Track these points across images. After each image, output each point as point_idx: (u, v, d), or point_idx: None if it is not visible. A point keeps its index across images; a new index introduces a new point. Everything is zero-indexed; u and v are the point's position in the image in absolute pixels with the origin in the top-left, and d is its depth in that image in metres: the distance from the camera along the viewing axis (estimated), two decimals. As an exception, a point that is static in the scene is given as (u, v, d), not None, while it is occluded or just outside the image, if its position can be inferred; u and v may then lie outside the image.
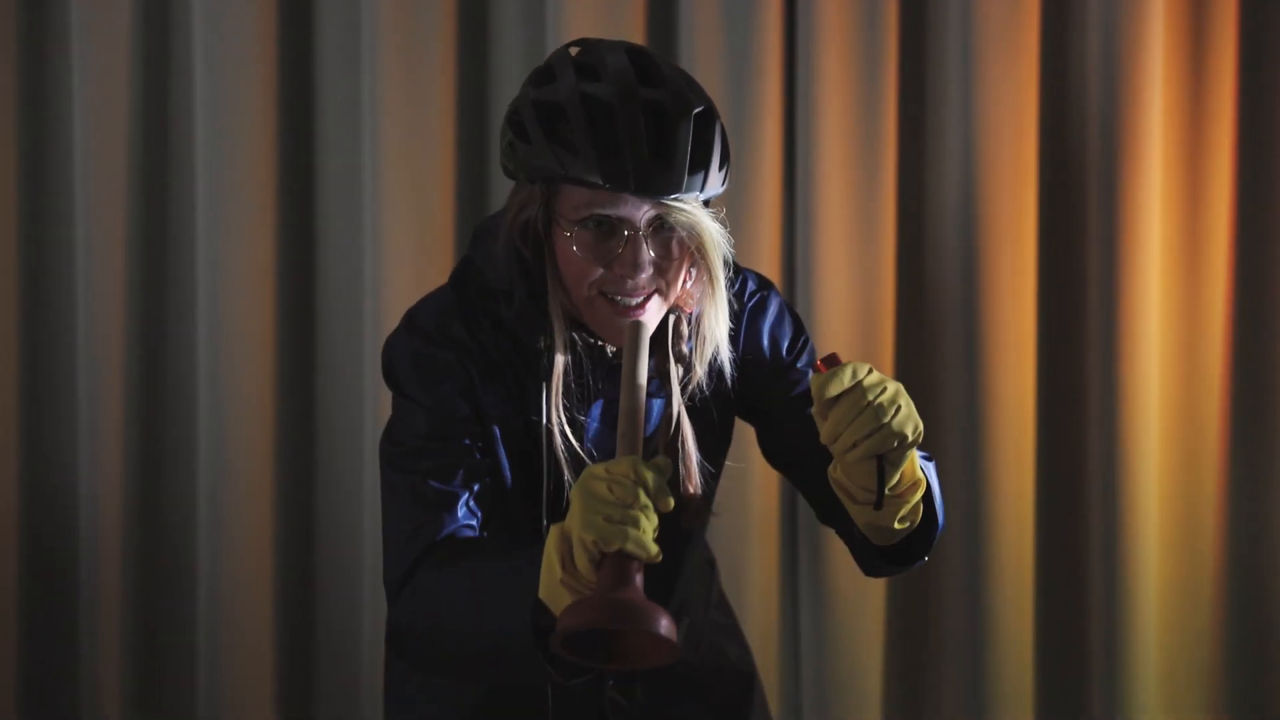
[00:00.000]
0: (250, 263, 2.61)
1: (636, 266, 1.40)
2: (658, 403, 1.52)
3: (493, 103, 2.65)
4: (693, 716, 1.70)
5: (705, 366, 1.50)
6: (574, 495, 1.28)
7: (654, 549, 1.25)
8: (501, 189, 2.63)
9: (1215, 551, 2.67)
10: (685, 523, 1.53)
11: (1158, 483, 2.62)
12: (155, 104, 2.65)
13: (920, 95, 2.63)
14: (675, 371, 1.50)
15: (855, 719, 2.64)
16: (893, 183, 2.59)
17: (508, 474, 1.51)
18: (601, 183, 1.37)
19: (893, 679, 2.68)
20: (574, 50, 1.46)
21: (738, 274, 1.61)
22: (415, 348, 1.50)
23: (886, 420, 1.29)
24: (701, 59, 2.56)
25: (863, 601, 2.62)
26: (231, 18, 2.58)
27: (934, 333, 2.64)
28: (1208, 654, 2.67)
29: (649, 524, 1.25)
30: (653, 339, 1.47)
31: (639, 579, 1.25)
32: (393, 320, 2.56)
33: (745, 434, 1.77)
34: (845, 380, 1.30)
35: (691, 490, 1.52)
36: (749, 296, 1.61)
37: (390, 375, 1.53)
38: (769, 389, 1.59)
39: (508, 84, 2.63)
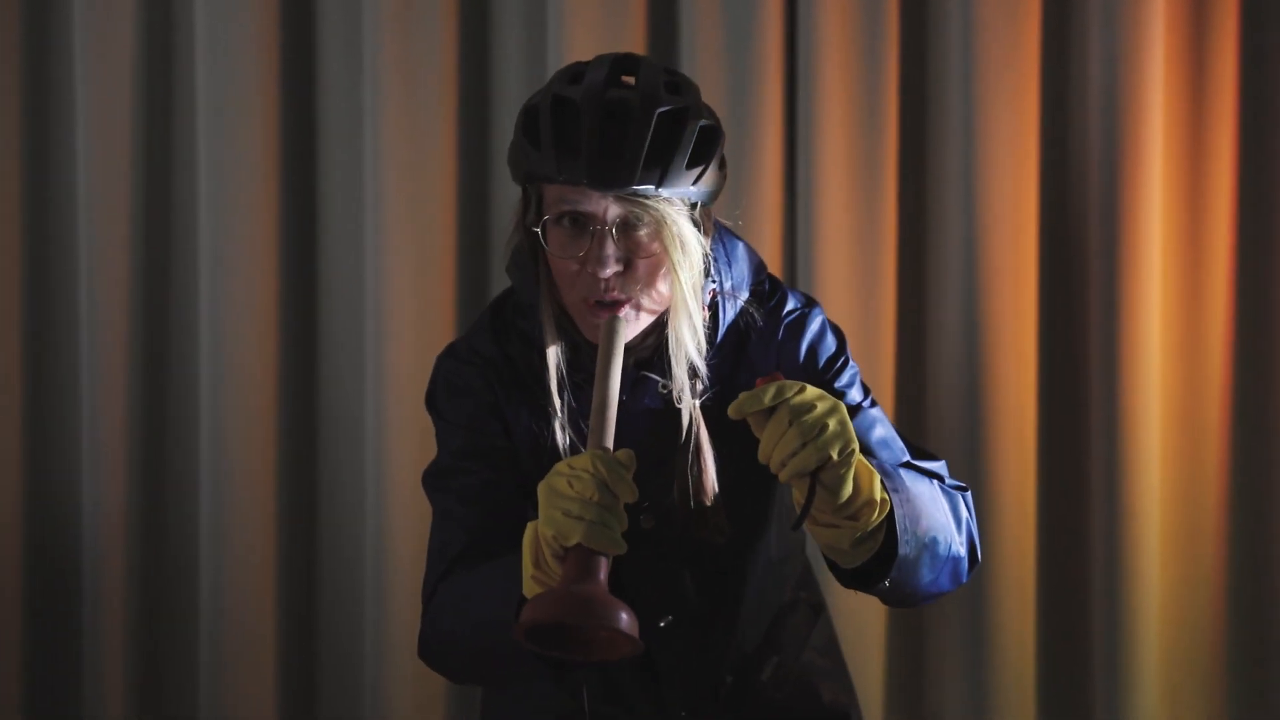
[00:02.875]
0: (253, 267, 2.62)
1: (601, 261, 1.42)
2: (656, 408, 1.53)
3: (493, 104, 2.64)
4: None
5: (683, 367, 1.49)
6: (539, 491, 1.30)
7: (616, 542, 1.26)
8: (501, 189, 2.64)
9: (1217, 556, 2.67)
10: (698, 534, 1.53)
11: (1160, 486, 2.62)
12: (158, 105, 2.65)
13: (921, 104, 2.63)
14: (689, 382, 1.50)
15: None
16: (893, 190, 2.59)
17: (537, 486, 1.52)
18: (557, 175, 1.41)
19: (894, 688, 2.68)
20: (581, 63, 1.51)
21: (775, 291, 1.61)
22: (448, 368, 1.57)
23: (810, 439, 1.29)
24: (702, 68, 2.56)
25: (863, 611, 2.61)
26: (233, 20, 2.58)
27: (935, 339, 2.64)
28: (1210, 659, 2.67)
29: (612, 517, 1.26)
30: (658, 348, 1.49)
31: (603, 573, 1.25)
32: (394, 322, 2.59)
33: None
34: (766, 399, 1.31)
35: (707, 501, 1.52)
36: (787, 314, 1.60)
37: (429, 400, 1.59)
38: None
39: (508, 90, 2.63)
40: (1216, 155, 2.61)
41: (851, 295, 2.59)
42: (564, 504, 1.27)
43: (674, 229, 1.43)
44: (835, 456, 1.30)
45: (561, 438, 1.51)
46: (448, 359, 1.58)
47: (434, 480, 1.54)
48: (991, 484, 2.60)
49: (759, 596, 1.65)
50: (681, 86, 1.48)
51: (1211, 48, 2.60)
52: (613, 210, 1.42)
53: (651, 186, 1.41)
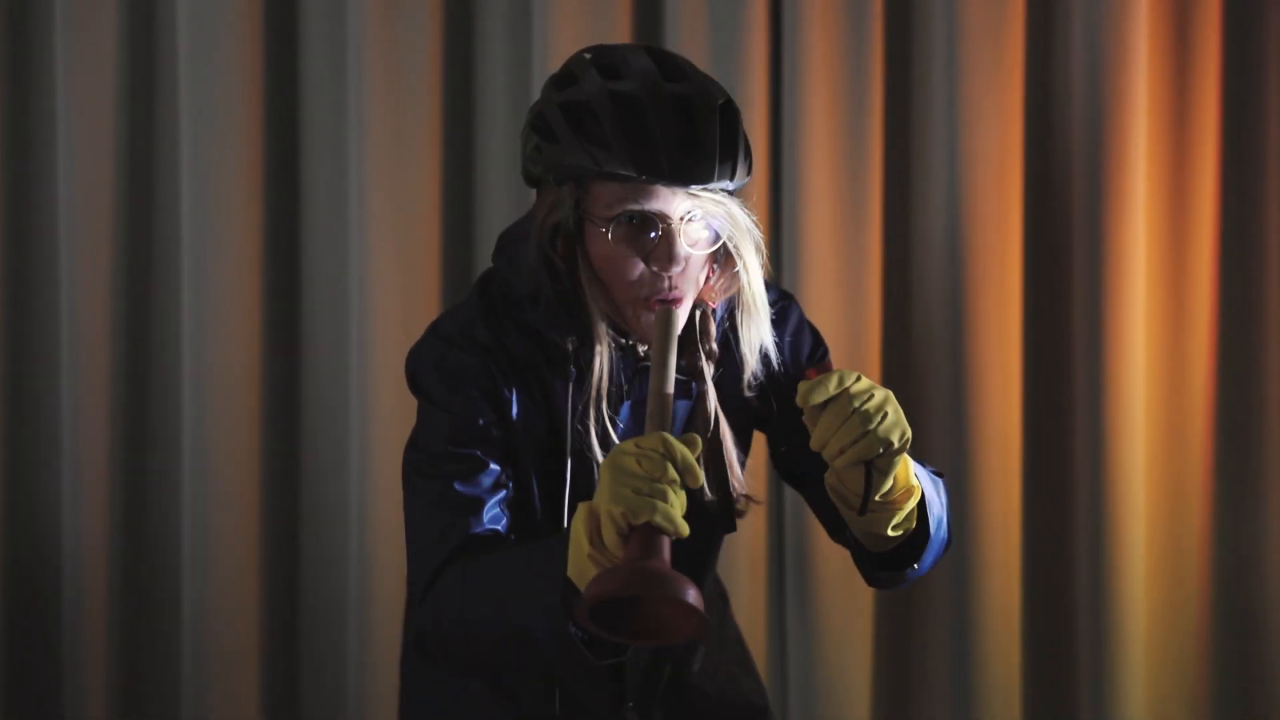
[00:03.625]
0: (236, 269, 2.60)
1: (672, 259, 1.41)
2: (683, 404, 1.52)
3: (478, 102, 2.63)
4: None
5: (756, 355, 1.51)
6: (603, 470, 1.28)
7: (682, 524, 1.25)
8: (486, 187, 2.62)
9: (1201, 561, 2.69)
10: (724, 520, 1.53)
11: (1144, 492, 2.64)
12: (140, 107, 2.63)
13: (905, 105, 2.64)
14: (708, 369, 1.50)
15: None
16: (878, 193, 2.60)
17: (533, 478, 1.51)
18: (636, 174, 1.38)
19: (880, 693, 2.69)
20: (588, 55, 1.47)
21: None
22: (439, 353, 1.51)
23: (872, 427, 1.31)
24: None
25: (849, 624, 2.63)
26: (216, 21, 2.56)
27: (920, 343, 2.65)
28: (1194, 664, 2.69)
29: (677, 499, 1.26)
30: (682, 337, 1.47)
31: (667, 554, 1.24)
32: (379, 329, 2.58)
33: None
34: (831, 387, 1.32)
35: (736, 487, 1.52)
36: (769, 307, 1.61)
37: (414, 382, 1.53)
38: (781, 397, 1.59)
39: (493, 88, 2.62)
40: (1200, 152, 2.63)
41: (837, 303, 2.60)
42: (634, 482, 1.25)
43: (743, 223, 1.43)
44: (896, 443, 1.33)
45: (581, 429, 1.48)
46: (438, 342, 1.52)
47: (424, 465, 1.48)
48: (977, 495, 2.61)
49: (710, 585, 1.69)
50: (711, 78, 1.48)
51: (1194, 52, 2.62)
52: (681, 206, 1.41)
53: (727, 181, 1.41)
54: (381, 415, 2.56)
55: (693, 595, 1.21)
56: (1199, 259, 2.65)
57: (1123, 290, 2.59)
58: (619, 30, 2.58)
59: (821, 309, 2.58)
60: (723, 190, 1.42)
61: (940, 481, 1.53)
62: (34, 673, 2.68)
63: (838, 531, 1.58)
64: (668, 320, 1.40)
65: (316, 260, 2.65)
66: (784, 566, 2.68)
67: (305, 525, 2.68)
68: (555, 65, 2.49)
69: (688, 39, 2.57)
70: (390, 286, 2.58)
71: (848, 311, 2.60)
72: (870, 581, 1.54)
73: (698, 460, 1.28)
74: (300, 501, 2.68)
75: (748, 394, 1.54)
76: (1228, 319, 2.68)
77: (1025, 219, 2.63)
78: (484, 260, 2.62)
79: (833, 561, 2.61)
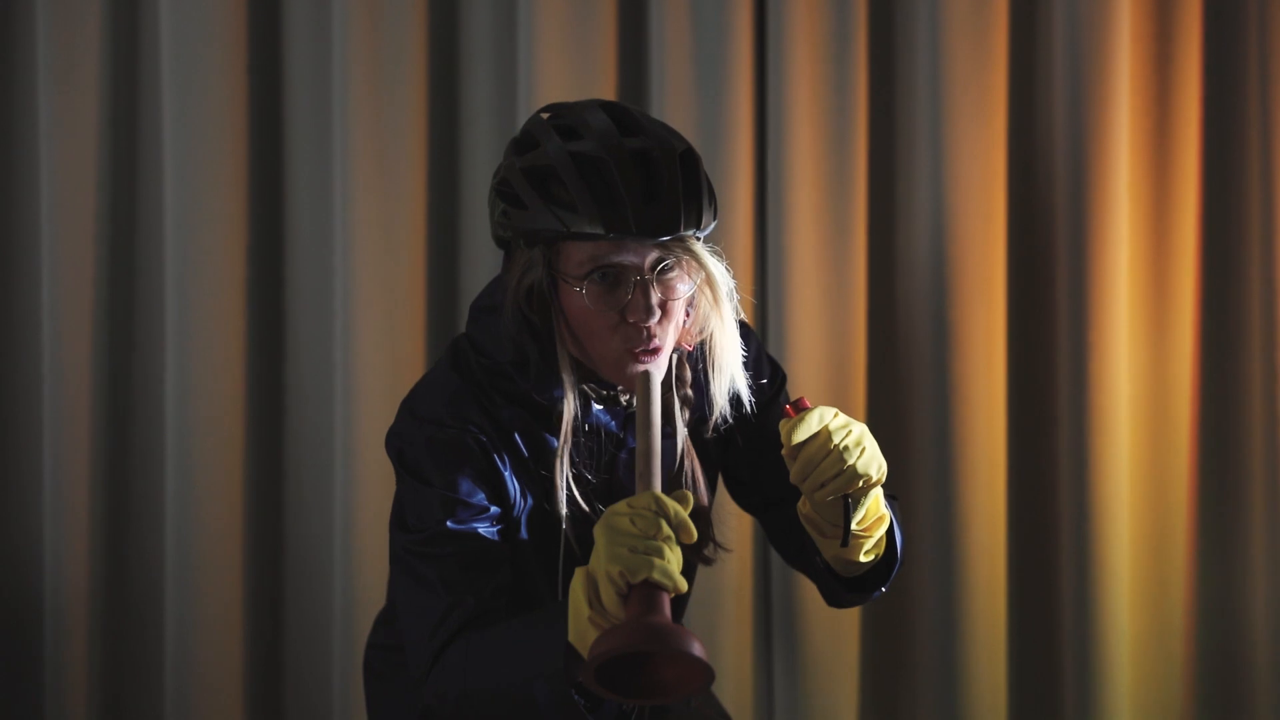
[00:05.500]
0: (219, 275, 2.60)
1: (649, 311, 1.43)
2: (663, 443, 1.54)
3: (463, 108, 2.64)
4: None
5: (725, 396, 1.54)
6: (597, 532, 1.30)
7: (680, 579, 1.27)
8: (471, 193, 2.63)
9: (1185, 567, 2.69)
10: (698, 560, 1.56)
11: (1129, 501, 2.65)
12: (123, 111, 2.63)
13: (890, 119, 2.65)
14: (680, 414, 1.54)
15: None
16: (863, 206, 2.61)
17: (529, 550, 1.52)
18: (604, 233, 1.41)
19: (867, 700, 2.69)
20: (545, 115, 1.50)
21: None
22: (429, 433, 1.50)
23: (852, 462, 1.37)
24: (671, 87, 2.57)
25: (837, 625, 2.64)
26: (199, 23, 2.56)
27: (905, 356, 2.65)
28: (1179, 673, 2.70)
29: (674, 555, 1.28)
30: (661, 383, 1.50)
31: (667, 610, 1.26)
32: (363, 340, 2.57)
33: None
34: (812, 425, 1.37)
35: (702, 528, 1.54)
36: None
37: (402, 461, 1.51)
38: (744, 428, 1.63)
39: (478, 94, 2.62)
40: (1181, 163, 2.64)
41: (822, 322, 2.61)
42: (630, 541, 1.27)
43: (711, 269, 1.46)
44: (874, 476, 1.39)
45: (564, 495, 1.50)
46: (426, 423, 1.50)
47: (421, 546, 1.47)
48: (962, 508, 2.62)
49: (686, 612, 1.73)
50: (669, 127, 1.50)
51: (1175, 60, 2.63)
52: (650, 258, 1.44)
53: (694, 229, 1.44)
54: (366, 429, 2.56)
55: (698, 648, 1.22)
56: (1182, 271, 2.66)
57: (1106, 302, 2.60)
58: (603, 43, 2.58)
59: (806, 323, 2.59)
60: (691, 237, 1.44)
61: (895, 502, 1.58)
62: (16, 688, 2.67)
63: (796, 557, 1.62)
64: (647, 383, 1.43)
65: (301, 270, 2.65)
66: (770, 594, 2.68)
67: (289, 539, 2.67)
68: (540, 75, 2.52)
69: (672, 52, 2.57)
70: (375, 298, 2.58)
71: (833, 325, 2.61)
72: (832, 603, 1.60)
73: (690, 516, 1.31)
74: (284, 516, 2.67)
75: (709, 435, 1.57)
76: (1210, 330, 2.69)
77: (1009, 232, 2.64)
78: (468, 267, 2.63)
79: (818, 605, 2.61)
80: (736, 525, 2.61)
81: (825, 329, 2.61)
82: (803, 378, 2.57)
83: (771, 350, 2.60)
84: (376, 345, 2.58)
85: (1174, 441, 2.68)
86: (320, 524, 2.65)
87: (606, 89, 2.58)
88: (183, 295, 2.59)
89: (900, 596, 2.67)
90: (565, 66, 2.55)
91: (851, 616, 2.65)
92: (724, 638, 2.61)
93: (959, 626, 2.63)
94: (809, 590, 2.63)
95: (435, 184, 2.63)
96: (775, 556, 2.67)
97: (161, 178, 2.61)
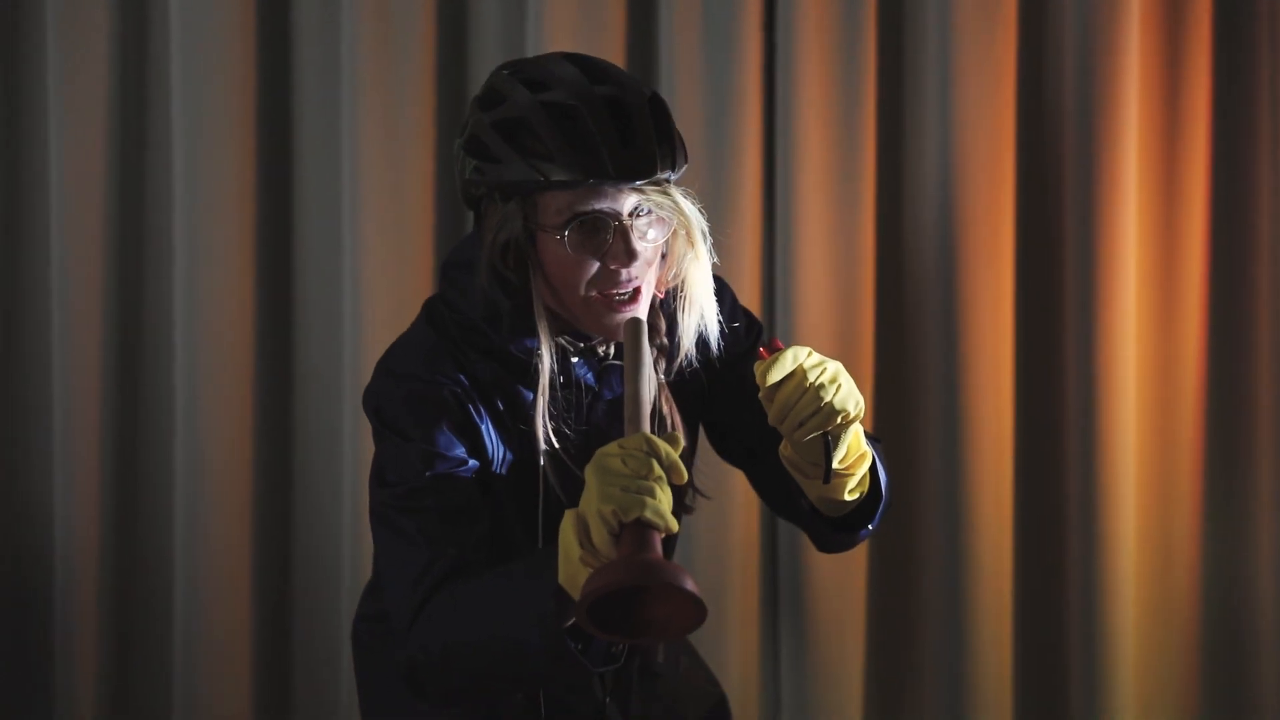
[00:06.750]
0: (228, 269, 2.61)
1: (630, 254, 1.44)
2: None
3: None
4: None
5: (693, 335, 1.54)
6: (588, 473, 1.30)
7: (671, 519, 1.27)
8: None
9: (1191, 561, 2.68)
10: (679, 509, 1.56)
11: (1135, 492, 2.64)
12: (132, 106, 2.65)
13: (898, 97, 2.65)
14: (657, 363, 1.54)
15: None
16: (871, 183, 2.61)
17: (509, 503, 1.53)
18: (583, 179, 1.41)
19: (872, 705, 2.68)
20: (507, 71, 1.50)
21: None
22: (407, 389, 1.50)
23: (829, 399, 1.37)
24: (681, 74, 2.58)
25: (842, 631, 2.63)
26: (208, 18, 2.58)
27: (913, 333, 2.65)
28: (1184, 665, 2.68)
29: (665, 495, 1.28)
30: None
31: (659, 549, 1.26)
32: (371, 333, 2.58)
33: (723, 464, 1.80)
34: (787, 364, 1.38)
35: (683, 477, 1.54)
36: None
37: (380, 418, 1.51)
38: (723, 377, 1.64)
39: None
40: (1191, 144, 2.63)
41: (830, 297, 2.60)
42: (622, 480, 1.27)
43: (687, 211, 1.46)
44: (852, 412, 1.39)
45: (543, 443, 1.50)
46: (402, 379, 1.51)
47: (401, 500, 1.47)
48: (968, 492, 2.61)
49: None
50: (615, 71, 1.50)
51: (1186, 45, 2.63)
52: (628, 203, 1.44)
53: (669, 171, 1.45)
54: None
55: (691, 583, 1.22)
56: (1190, 250, 2.66)
57: (1114, 280, 2.60)
58: (613, 32, 2.60)
59: (815, 299, 2.60)
60: (666, 180, 1.44)
61: (879, 444, 1.58)
62: (25, 671, 2.68)
63: (784, 505, 1.61)
64: (637, 329, 1.43)
65: (309, 263, 2.66)
66: (777, 573, 2.68)
67: (298, 523, 2.68)
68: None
69: (681, 35, 2.58)
70: (384, 289, 2.59)
71: (841, 301, 2.61)
72: (822, 547, 1.60)
73: (680, 457, 1.31)
74: (293, 500, 2.68)
75: (686, 372, 1.56)
76: (1218, 311, 2.68)
77: (1017, 209, 2.64)
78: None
79: (825, 567, 2.61)
80: (743, 515, 2.60)
81: (833, 303, 2.60)
82: (809, 345, 2.53)
83: (779, 322, 2.61)
84: (385, 339, 2.57)
85: (1181, 424, 2.66)
86: (330, 513, 2.66)
87: (615, 54, 2.59)
88: (191, 290, 2.61)
89: (904, 583, 2.67)
90: (574, 43, 2.55)
91: (857, 602, 2.64)
92: (730, 627, 2.60)
93: (965, 604, 2.62)
94: (816, 580, 2.62)
95: (443, 177, 2.64)
96: (782, 545, 2.67)
97: (170, 172, 2.63)
